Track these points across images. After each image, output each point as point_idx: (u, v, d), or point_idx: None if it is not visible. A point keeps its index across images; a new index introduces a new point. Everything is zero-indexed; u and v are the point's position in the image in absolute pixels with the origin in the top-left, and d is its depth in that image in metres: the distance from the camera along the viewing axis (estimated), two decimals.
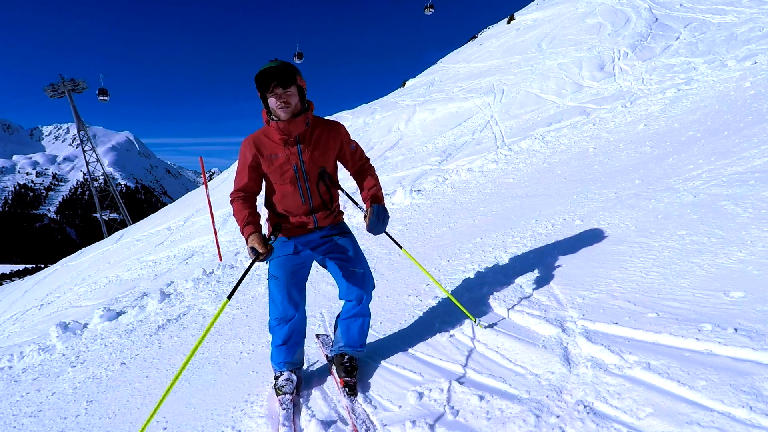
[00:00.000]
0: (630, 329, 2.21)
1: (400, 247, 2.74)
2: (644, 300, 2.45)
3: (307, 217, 2.35)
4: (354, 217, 6.93)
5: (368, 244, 5.26)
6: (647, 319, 2.25)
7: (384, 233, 2.45)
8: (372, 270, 2.65)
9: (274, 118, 2.20)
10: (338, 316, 2.59)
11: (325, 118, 2.44)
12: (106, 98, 45.41)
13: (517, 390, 2.07)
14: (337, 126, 2.38)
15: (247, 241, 2.22)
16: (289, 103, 2.14)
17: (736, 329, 1.96)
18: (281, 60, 2.13)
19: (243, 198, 2.33)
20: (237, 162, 2.34)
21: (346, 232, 2.51)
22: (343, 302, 2.55)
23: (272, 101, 2.15)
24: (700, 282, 2.47)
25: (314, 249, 2.44)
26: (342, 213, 2.54)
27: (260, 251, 2.17)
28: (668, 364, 1.90)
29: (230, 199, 2.36)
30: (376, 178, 2.51)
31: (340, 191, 2.50)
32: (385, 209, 2.42)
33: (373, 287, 2.51)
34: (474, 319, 2.44)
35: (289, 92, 2.13)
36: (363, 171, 2.50)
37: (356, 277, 2.43)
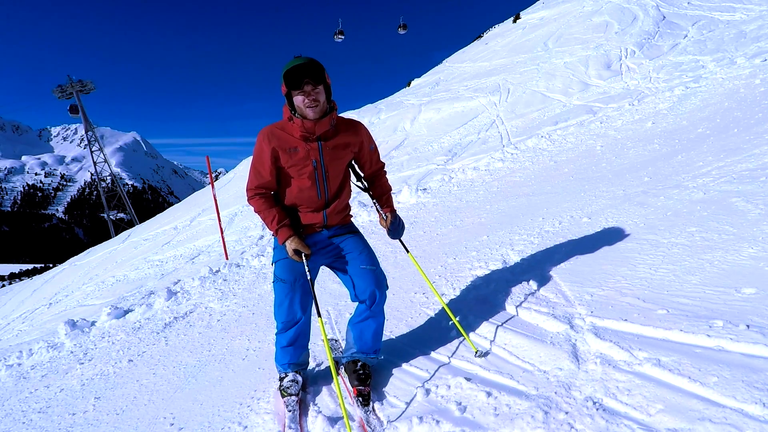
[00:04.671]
0: (639, 326, 2.19)
1: (407, 251, 2.74)
2: (654, 297, 2.42)
3: (318, 212, 2.32)
4: (360, 216, 6.93)
5: (374, 241, 5.23)
6: (657, 315, 2.23)
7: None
8: None
9: (298, 115, 2.16)
10: (350, 320, 2.49)
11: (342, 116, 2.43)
12: None
13: (525, 386, 2.05)
14: (359, 125, 2.39)
15: (283, 241, 2.25)
16: (318, 101, 2.11)
17: (748, 326, 1.94)
18: (306, 56, 2.09)
19: (264, 195, 2.29)
20: (252, 155, 2.29)
21: (354, 231, 2.48)
22: (355, 305, 2.47)
23: (300, 99, 2.10)
24: (710, 279, 2.44)
25: (322, 250, 2.38)
26: (351, 215, 2.52)
27: (306, 252, 2.24)
28: (679, 361, 1.87)
29: (249, 195, 2.30)
30: (390, 186, 2.59)
31: (359, 188, 2.57)
32: (401, 218, 2.56)
33: (387, 287, 2.42)
34: (475, 350, 2.43)
35: (318, 90, 2.10)
36: (380, 176, 2.55)
37: (368, 275, 2.34)
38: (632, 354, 2.01)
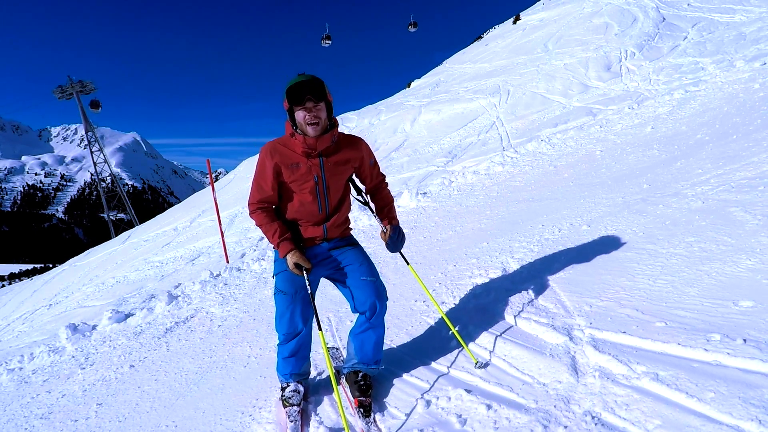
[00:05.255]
0: (638, 338, 2.21)
1: (407, 263, 2.75)
2: (652, 309, 2.44)
3: (319, 226, 2.36)
4: (360, 220, 6.94)
5: (374, 248, 5.26)
6: (655, 328, 2.25)
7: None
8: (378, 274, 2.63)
9: (299, 132, 2.19)
10: (350, 331, 2.51)
11: (342, 130, 2.47)
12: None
13: (525, 399, 2.07)
14: (359, 141, 2.43)
15: (284, 255, 2.27)
16: (319, 117, 2.15)
17: (745, 340, 1.96)
18: (309, 74, 2.14)
19: (266, 210, 2.33)
20: (255, 169, 2.33)
21: (354, 243, 2.51)
22: (356, 316, 2.48)
23: (301, 115, 2.14)
24: (708, 291, 2.46)
25: (322, 262, 2.41)
26: (350, 228, 2.55)
27: (306, 267, 2.26)
28: (676, 375, 1.89)
29: (251, 209, 2.34)
30: (392, 197, 2.61)
31: (359, 202, 2.61)
32: (402, 230, 2.55)
33: (387, 298, 2.44)
34: (475, 360, 2.45)
35: (320, 107, 2.15)
36: (381, 188, 2.57)
37: (368, 286, 2.36)
38: (631, 367, 2.03)
